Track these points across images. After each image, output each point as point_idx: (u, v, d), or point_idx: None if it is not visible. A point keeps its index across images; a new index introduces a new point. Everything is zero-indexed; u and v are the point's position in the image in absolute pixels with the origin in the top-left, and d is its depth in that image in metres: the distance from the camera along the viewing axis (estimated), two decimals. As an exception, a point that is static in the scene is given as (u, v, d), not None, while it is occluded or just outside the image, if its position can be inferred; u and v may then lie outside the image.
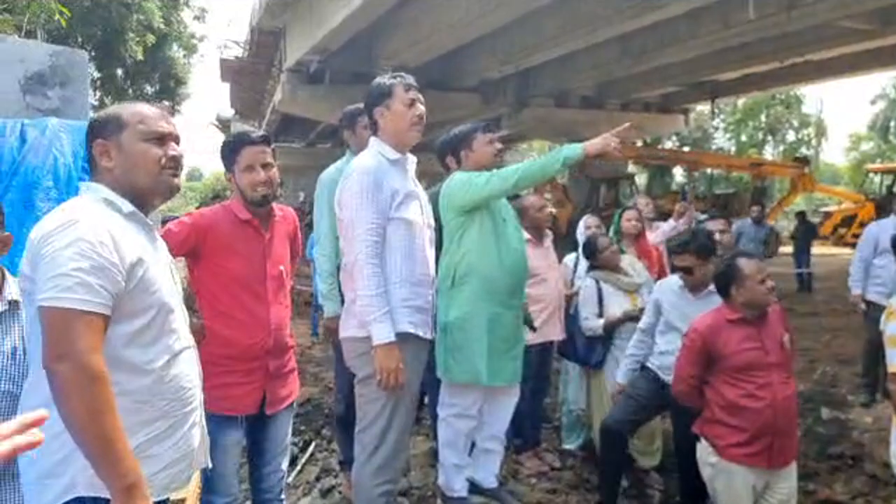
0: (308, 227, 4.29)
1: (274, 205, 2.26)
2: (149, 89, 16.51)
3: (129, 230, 1.42)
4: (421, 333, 2.37)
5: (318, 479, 3.41)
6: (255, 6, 15.10)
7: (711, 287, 2.91)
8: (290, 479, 3.39)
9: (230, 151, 2.20)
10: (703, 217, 3.51)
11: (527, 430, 3.69)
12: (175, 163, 1.53)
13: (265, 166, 2.17)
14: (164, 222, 2.71)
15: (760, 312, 2.46)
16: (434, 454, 3.27)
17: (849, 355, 6.51)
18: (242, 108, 25.65)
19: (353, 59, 13.64)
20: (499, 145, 2.91)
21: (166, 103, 16.50)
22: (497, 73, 14.19)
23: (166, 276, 1.52)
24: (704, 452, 2.56)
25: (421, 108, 2.38)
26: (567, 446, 3.91)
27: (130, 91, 15.23)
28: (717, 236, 3.26)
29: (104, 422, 1.26)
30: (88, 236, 1.32)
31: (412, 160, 2.49)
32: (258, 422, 2.24)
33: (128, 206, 1.46)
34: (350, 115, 3.13)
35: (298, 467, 3.57)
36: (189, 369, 1.55)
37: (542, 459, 3.64)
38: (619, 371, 3.30)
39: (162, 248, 1.57)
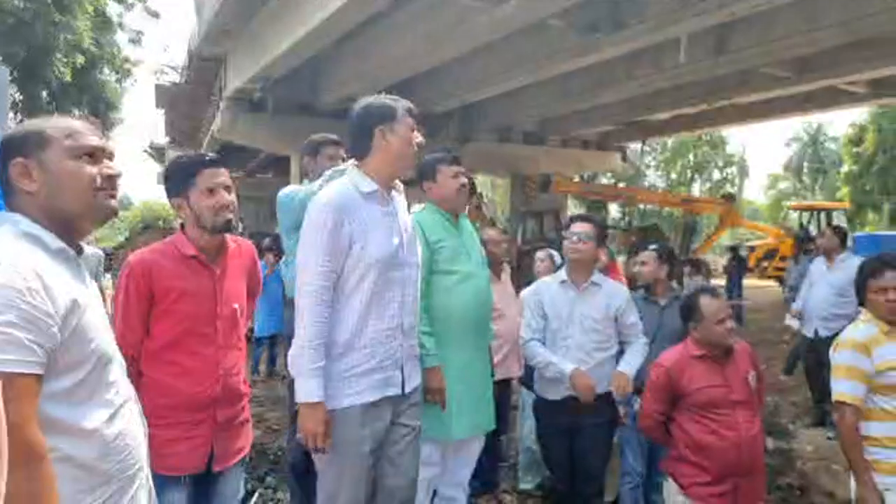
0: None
1: (228, 237, 2.07)
2: (77, 113, 15.70)
3: (59, 270, 1.22)
4: (375, 397, 2.10)
5: (263, 532, 3.15)
6: (194, 32, 14.74)
7: (594, 278, 2.98)
8: (233, 532, 3.12)
9: (184, 174, 1.99)
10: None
11: (484, 471, 3.56)
12: (112, 183, 1.33)
13: (226, 189, 2.00)
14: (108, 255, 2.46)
15: (724, 350, 2.46)
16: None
17: (784, 384, 6.75)
18: (178, 136, 24.83)
19: (298, 89, 13.47)
20: (463, 180, 2.79)
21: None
22: (442, 106, 14.33)
23: (102, 322, 1.32)
24: (672, 492, 2.52)
25: (420, 137, 2.21)
26: (524, 486, 3.80)
27: (56, 114, 14.46)
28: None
29: None
30: (14, 282, 1.11)
31: (398, 189, 2.25)
32: (204, 479, 2.02)
33: (56, 242, 1.26)
34: (314, 144, 3.08)
35: (241, 519, 3.29)
36: (132, 425, 1.36)
37: (501, 502, 3.52)
38: (563, 365, 2.88)
39: (93, 288, 1.37)
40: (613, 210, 31.37)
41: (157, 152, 27.92)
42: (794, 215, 20.08)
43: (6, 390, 1.05)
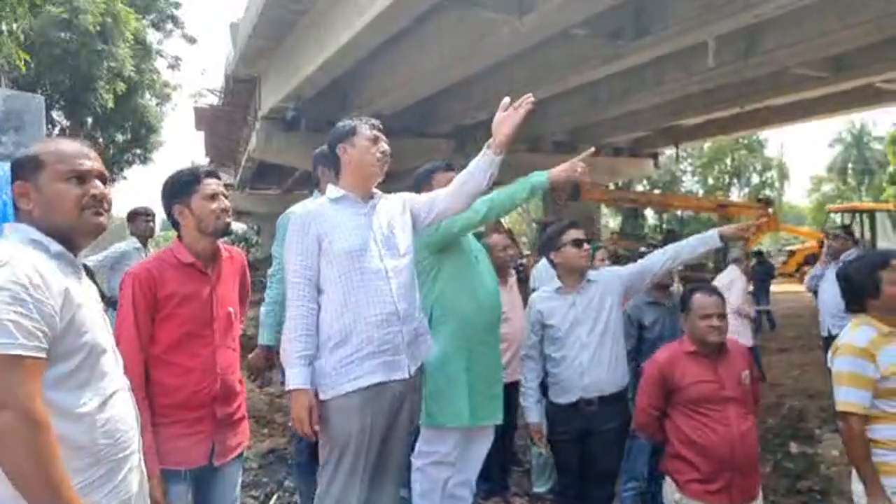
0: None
1: (220, 244, 2.22)
2: (120, 138, 16.39)
3: (57, 271, 1.39)
4: (376, 380, 2.18)
5: (277, 532, 3.27)
6: (231, 54, 15.29)
7: (590, 275, 2.96)
8: (250, 532, 3.25)
9: (188, 182, 2.16)
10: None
11: (494, 474, 3.61)
12: (96, 201, 1.48)
13: (224, 196, 2.19)
14: None
15: (717, 347, 2.47)
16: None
17: (816, 390, 6.56)
18: (217, 156, 25.65)
19: (329, 107, 13.80)
20: None
21: (138, 151, 16.42)
22: (471, 119, 14.46)
23: (97, 318, 1.48)
24: (669, 490, 2.52)
25: (385, 146, 2.36)
26: (537, 490, 3.83)
27: (101, 140, 15.12)
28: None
29: (51, 471, 1.26)
30: (20, 278, 1.29)
31: (377, 196, 2.39)
32: (205, 473, 2.14)
33: (55, 246, 1.43)
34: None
35: (259, 520, 3.43)
36: (124, 412, 1.50)
37: (510, 505, 3.55)
38: (529, 413, 2.99)
39: (91, 289, 1.53)
40: (651, 217, 30.91)
41: (198, 172, 28.73)
42: (838, 219, 19.36)
43: (15, 369, 1.25)
